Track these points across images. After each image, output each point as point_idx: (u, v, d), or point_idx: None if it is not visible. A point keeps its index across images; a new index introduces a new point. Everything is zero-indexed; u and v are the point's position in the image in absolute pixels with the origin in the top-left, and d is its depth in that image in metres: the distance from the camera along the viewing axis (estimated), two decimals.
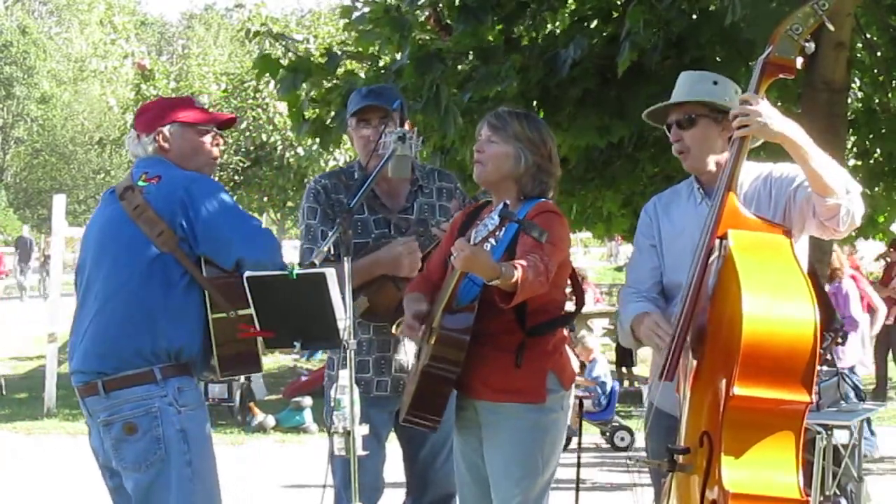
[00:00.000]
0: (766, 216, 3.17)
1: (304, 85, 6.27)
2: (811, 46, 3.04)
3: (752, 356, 2.75)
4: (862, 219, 3.21)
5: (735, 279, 2.83)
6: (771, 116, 3.00)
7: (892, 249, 12.23)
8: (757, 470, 2.77)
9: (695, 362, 3.03)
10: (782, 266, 2.91)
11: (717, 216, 3.06)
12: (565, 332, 3.63)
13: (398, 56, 6.24)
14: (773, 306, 2.78)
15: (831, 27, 3.13)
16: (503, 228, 3.23)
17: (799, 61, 3.04)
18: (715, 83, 3.44)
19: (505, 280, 3.10)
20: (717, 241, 3.03)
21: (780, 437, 2.79)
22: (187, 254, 3.33)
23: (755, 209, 3.19)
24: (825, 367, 5.64)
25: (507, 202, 3.24)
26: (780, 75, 3.10)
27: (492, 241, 3.06)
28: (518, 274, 3.09)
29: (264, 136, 15.68)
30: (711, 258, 3.05)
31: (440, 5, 6.09)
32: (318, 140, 6.56)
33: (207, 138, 3.55)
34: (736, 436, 2.78)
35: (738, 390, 2.74)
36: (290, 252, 7.38)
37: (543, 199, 3.49)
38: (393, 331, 3.72)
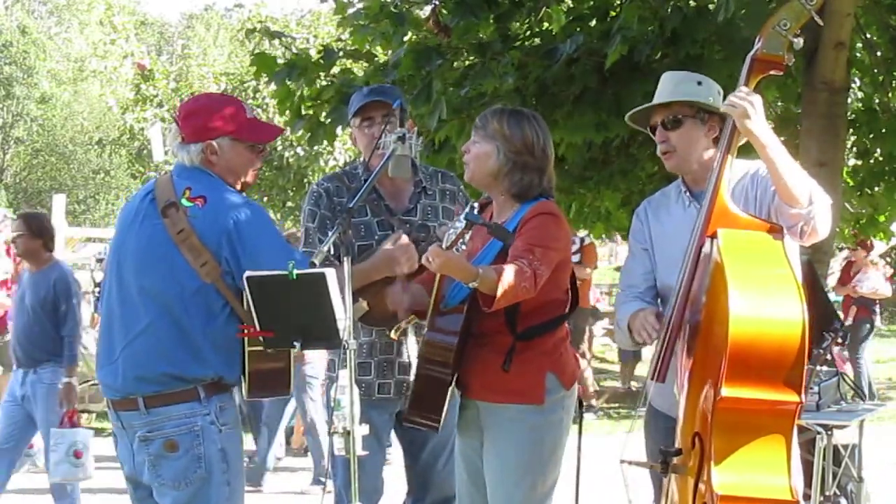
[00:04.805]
0: (754, 213, 3.16)
1: (299, 82, 6.25)
2: (800, 42, 3.03)
3: (739, 357, 2.73)
4: (837, 222, 3.19)
5: (723, 278, 2.82)
6: (757, 113, 2.99)
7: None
8: (746, 471, 2.76)
9: (690, 363, 3.03)
10: (772, 265, 2.89)
11: (708, 215, 3.05)
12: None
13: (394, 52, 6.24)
14: (761, 306, 2.77)
15: (820, 22, 3.12)
16: (469, 232, 3.26)
17: (790, 58, 3.03)
18: (699, 83, 3.44)
19: (483, 283, 3.12)
20: (707, 240, 3.02)
21: (770, 438, 2.77)
22: (229, 285, 3.28)
23: (744, 207, 3.18)
24: (825, 367, 5.63)
25: (475, 205, 3.29)
26: (770, 72, 3.10)
27: (461, 244, 3.12)
28: (496, 277, 3.11)
29: None
30: (702, 257, 3.04)
31: (437, 2, 6.08)
32: (308, 136, 6.51)
33: (255, 154, 3.49)
34: (725, 437, 2.77)
35: (726, 391, 2.73)
36: None
37: (544, 200, 3.49)
38: (392, 335, 3.71)
